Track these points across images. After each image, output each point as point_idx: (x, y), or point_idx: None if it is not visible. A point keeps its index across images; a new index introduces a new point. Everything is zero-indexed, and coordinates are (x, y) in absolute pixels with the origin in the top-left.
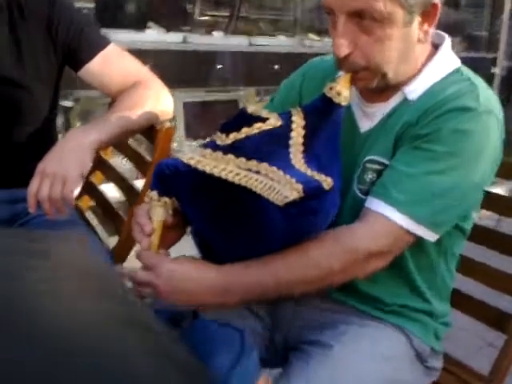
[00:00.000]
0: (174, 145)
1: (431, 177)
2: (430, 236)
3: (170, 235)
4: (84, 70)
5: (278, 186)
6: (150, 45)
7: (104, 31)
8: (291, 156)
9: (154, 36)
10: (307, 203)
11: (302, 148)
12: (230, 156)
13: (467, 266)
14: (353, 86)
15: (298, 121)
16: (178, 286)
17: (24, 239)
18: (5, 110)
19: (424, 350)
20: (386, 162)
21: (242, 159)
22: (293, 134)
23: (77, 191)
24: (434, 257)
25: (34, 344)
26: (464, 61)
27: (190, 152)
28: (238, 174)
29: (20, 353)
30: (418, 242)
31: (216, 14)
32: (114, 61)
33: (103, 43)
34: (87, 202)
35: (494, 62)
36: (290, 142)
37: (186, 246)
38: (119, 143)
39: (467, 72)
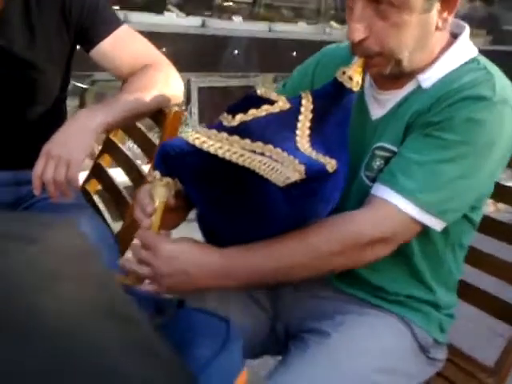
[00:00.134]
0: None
1: (440, 165)
2: (436, 224)
3: (171, 217)
4: (95, 50)
5: (280, 167)
6: (168, 28)
7: (122, 13)
8: (297, 139)
9: (172, 19)
10: (309, 185)
11: (308, 132)
12: (235, 137)
13: (475, 257)
14: (366, 72)
15: (306, 104)
16: (179, 267)
17: (12, 223)
18: (15, 89)
19: (426, 341)
20: (395, 149)
21: (247, 141)
22: (301, 117)
23: (82, 175)
24: (440, 247)
25: None
26: (489, 54)
27: (194, 132)
28: (241, 156)
29: None
30: (425, 230)
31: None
32: (126, 42)
33: (116, 24)
34: (95, 186)
35: None
36: (298, 124)
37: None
38: (128, 127)
39: (484, 61)
